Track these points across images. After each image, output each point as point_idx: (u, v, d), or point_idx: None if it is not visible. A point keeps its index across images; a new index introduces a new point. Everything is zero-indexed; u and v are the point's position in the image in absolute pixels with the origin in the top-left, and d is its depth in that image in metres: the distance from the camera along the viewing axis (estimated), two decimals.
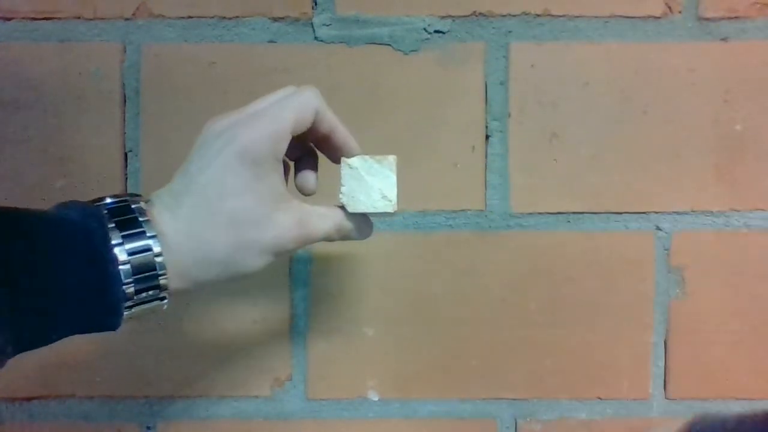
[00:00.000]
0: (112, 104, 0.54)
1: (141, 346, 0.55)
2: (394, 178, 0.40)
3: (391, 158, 0.40)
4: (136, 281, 0.33)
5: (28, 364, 0.55)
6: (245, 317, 0.55)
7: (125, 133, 0.54)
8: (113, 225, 0.33)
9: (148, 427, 0.56)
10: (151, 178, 0.54)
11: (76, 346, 0.54)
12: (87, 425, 0.55)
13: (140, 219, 0.34)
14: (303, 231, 0.38)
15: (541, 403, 0.56)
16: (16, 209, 0.32)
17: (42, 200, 0.53)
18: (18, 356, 0.32)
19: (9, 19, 0.53)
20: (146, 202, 0.35)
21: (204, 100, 0.54)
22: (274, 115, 0.36)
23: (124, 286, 0.33)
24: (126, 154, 0.54)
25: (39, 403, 0.55)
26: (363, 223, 0.41)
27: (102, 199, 0.34)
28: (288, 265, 0.55)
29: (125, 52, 0.54)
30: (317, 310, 0.55)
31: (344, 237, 0.41)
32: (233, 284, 0.41)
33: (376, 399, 0.56)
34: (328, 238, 0.40)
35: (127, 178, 0.54)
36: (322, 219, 0.39)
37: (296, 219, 0.37)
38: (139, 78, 0.54)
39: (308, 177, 0.42)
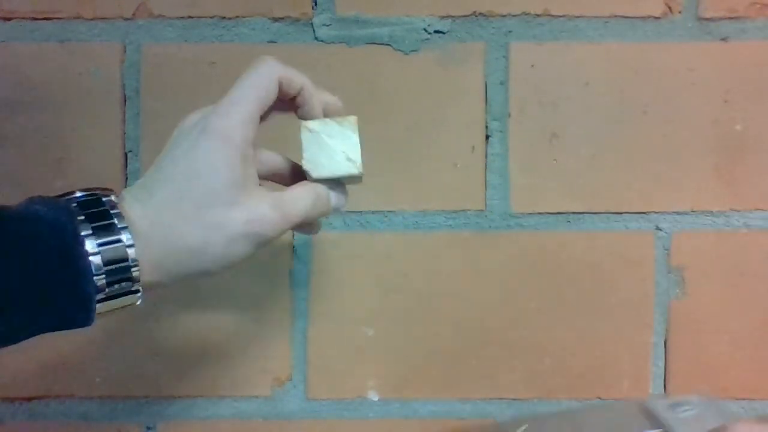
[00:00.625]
0: (112, 104, 0.54)
1: (141, 347, 0.55)
2: (356, 138, 0.39)
3: (352, 118, 0.39)
4: (107, 273, 0.32)
5: (28, 364, 0.55)
6: (245, 317, 0.55)
7: (125, 133, 0.54)
8: (83, 218, 0.32)
9: (148, 427, 0.56)
10: None
11: (76, 345, 0.54)
12: (87, 425, 0.55)
13: (111, 212, 0.33)
14: (278, 213, 0.36)
15: (541, 403, 0.56)
16: None
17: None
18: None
19: (9, 19, 0.53)
20: (117, 196, 0.35)
21: (204, 100, 0.54)
22: (239, 98, 0.36)
23: (95, 278, 0.32)
24: (126, 154, 0.54)
25: (39, 403, 0.55)
26: (338, 193, 0.40)
27: (71, 192, 0.34)
28: (288, 265, 0.55)
29: (125, 52, 0.54)
30: (317, 310, 0.55)
31: (322, 213, 0.39)
32: (218, 278, 0.39)
33: (376, 399, 0.56)
34: (307, 218, 0.38)
35: (127, 178, 0.54)
36: (297, 199, 0.37)
37: (270, 203, 0.36)
38: (139, 78, 0.54)
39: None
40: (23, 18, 0.53)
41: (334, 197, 0.40)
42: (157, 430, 0.56)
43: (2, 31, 0.53)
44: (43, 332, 0.32)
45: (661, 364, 0.56)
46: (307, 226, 0.41)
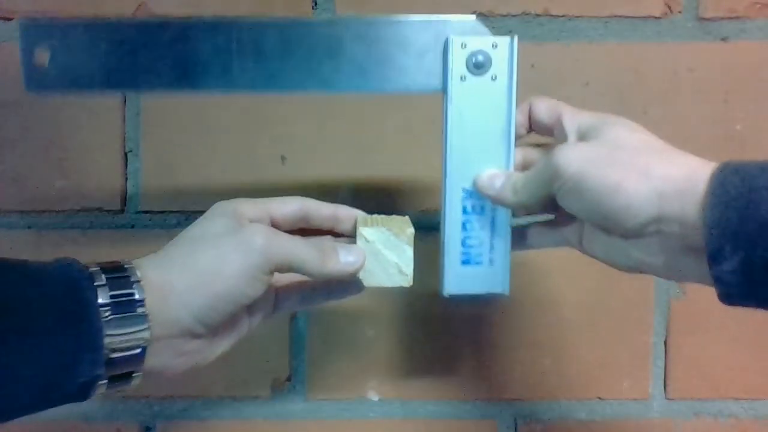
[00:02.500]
0: (112, 104, 0.54)
1: None
2: (411, 252, 0.39)
3: (410, 232, 0.39)
4: (113, 305, 0.32)
5: None
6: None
7: (125, 133, 0.54)
8: (97, 268, 0.33)
9: (148, 427, 0.56)
10: (151, 178, 0.54)
11: None
12: (87, 425, 0.55)
13: (126, 266, 0.33)
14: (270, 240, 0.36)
15: (541, 403, 0.56)
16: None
17: (42, 200, 0.53)
18: None
19: (9, 19, 0.53)
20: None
21: (204, 100, 0.54)
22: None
23: (101, 307, 0.31)
24: (126, 154, 0.54)
25: None
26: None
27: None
28: None
29: None
30: (317, 311, 0.55)
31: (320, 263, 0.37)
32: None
33: (376, 399, 0.56)
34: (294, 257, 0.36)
35: (127, 178, 0.54)
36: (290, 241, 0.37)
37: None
38: None
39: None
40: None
41: (342, 253, 0.38)
42: (157, 430, 0.56)
43: (2, 31, 0.53)
44: (47, 391, 0.31)
45: (661, 364, 0.56)
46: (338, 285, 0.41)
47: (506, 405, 0.56)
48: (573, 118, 0.38)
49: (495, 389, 0.56)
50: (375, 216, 0.41)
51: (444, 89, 0.40)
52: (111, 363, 0.32)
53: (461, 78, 0.39)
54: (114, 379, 0.33)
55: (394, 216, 0.41)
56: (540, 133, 0.41)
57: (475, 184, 0.40)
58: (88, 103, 0.53)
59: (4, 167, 0.53)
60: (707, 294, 0.55)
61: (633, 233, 0.34)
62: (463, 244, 0.41)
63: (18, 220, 0.53)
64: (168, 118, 0.54)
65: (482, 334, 0.56)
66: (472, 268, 0.41)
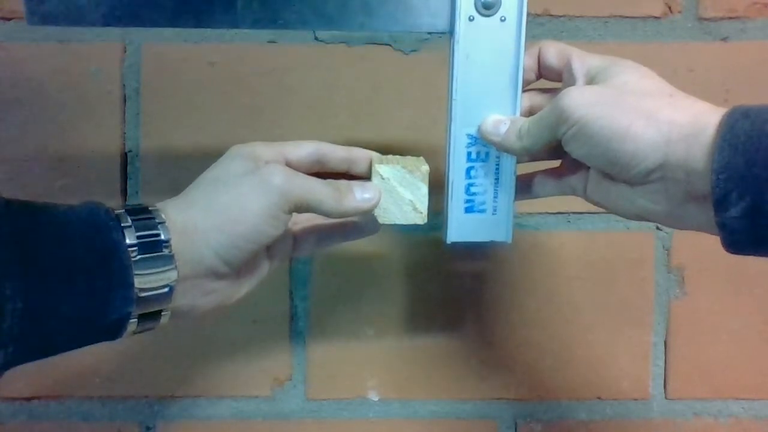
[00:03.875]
0: (112, 104, 0.54)
1: (141, 346, 0.55)
2: (425, 189, 0.39)
3: (425, 169, 0.39)
4: (140, 246, 0.33)
5: (29, 364, 0.54)
6: (245, 317, 0.55)
7: (125, 133, 0.54)
8: (122, 211, 0.34)
9: (148, 427, 0.56)
10: (151, 178, 0.54)
11: None
12: (87, 425, 0.55)
13: (150, 208, 0.35)
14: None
15: (541, 403, 0.56)
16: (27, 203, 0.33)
17: (42, 200, 0.53)
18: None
19: (9, 19, 0.53)
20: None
21: (204, 100, 0.54)
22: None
23: (128, 246, 0.32)
24: (126, 154, 0.54)
25: (39, 403, 0.55)
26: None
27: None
28: (288, 265, 0.55)
29: (125, 52, 0.54)
30: (317, 310, 0.55)
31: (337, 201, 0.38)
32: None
33: (376, 399, 0.56)
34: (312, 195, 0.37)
35: (127, 178, 0.54)
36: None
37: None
38: (139, 78, 0.54)
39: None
40: (23, 18, 0.53)
41: (358, 191, 0.39)
42: (157, 430, 0.56)
43: (2, 31, 0.53)
44: (85, 317, 0.32)
45: (661, 364, 0.56)
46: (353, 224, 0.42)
47: (506, 405, 0.56)
48: (583, 62, 0.37)
49: (495, 389, 0.56)
50: (389, 156, 0.41)
51: (451, 30, 0.39)
52: (141, 301, 0.33)
53: (469, 18, 0.38)
54: (143, 317, 0.34)
55: (408, 156, 0.41)
56: (549, 79, 0.41)
57: (479, 130, 0.39)
58: (88, 103, 0.53)
59: (4, 167, 0.53)
60: (707, 294, 0.56)
61: (638, 180, 0.33)
62: (467, 191, 0.40)
63: None
64: (168, 118, 0.54)
65: (482, 334, 0.56)
66: (476, 215, 0.41)
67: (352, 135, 0.54)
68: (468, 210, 0.41)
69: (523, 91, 0.40)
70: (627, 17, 0.54)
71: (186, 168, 0.54)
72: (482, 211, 0.41)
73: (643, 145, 0.32)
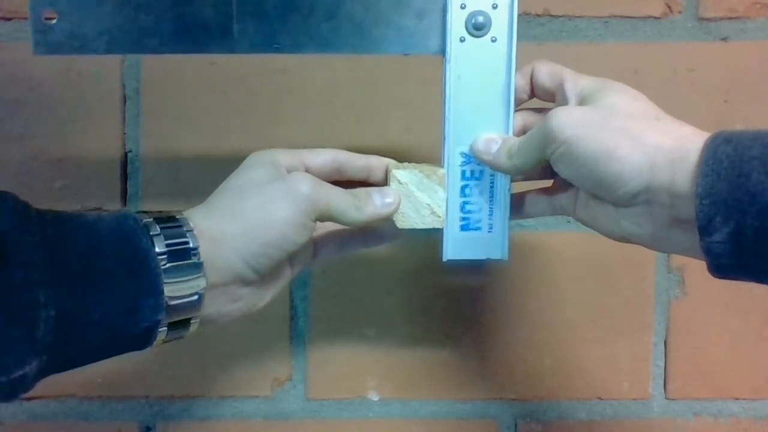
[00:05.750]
0: (112, 104, 0.54)
1: None
2: (443, 193, 0.39)
3: (441, 173, 0.39)
4: (169, 254, 0.33)
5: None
6: (245, 317, 0.55)
7: (125, 133, 0.54)
8: (151, 219, 0.34)
9: (148, 427, 0.56)
10: (151, 178, 0.54)
11: None
12: (87, 425, 0.55)
13: (178, 216, 0.35)
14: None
15: (541, 403, 0.56)
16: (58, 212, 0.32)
17: (42, 200, 0.53)
18: None
19: (9, 19, 0.53)
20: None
21: (204, 100, 0.54)
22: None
23: (158, 255, 0.32)
24: (126, 154, 0.54)
25: (39, 403, 0.55)
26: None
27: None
28: None
29: None
30: (317, 310, 0.55)
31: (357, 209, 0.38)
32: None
33: (376, 399, 0.56)
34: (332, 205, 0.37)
35: (127, 178, 0.54)
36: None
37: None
38: (139, 78, 0.54)
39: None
40: (23, 18, 0.53)
41: (378, 197, 0.39)
42: (157, 430, 0.56)
43: (2, 31, 0.53)
44: (114, 326, 0.31)
45: (661, 364, 0.56)
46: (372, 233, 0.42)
47: (506, 405, 0.56)
48: (575, 83, 0.38)
49: (495, 389, 0.56)
50: (405, 163, 0.41)
51: (443, 51, 0.39)
52: (170, 309, 0.33)
53: (460, 39, 0.39)
54: (173, 326, 0.34)
55: (423, 163, 0.41)
56: (542, 98, 0.41)
57: (471, 148, 0.40)
58: (88, 103, 0.53)
59: (4, 167, 0.53)
60: (707, 294, 0.56)
61: (623, 202, 0.34)
62: (462, 209, 0.41)
63: None
64: (168, 118, 0.54)
65: (482, 334, 0.56)
66: (472, 233, 0.41)
67: (353, 135, 0.54)
68: (464, 228, 0.41)
69: (517, 110, 0.40)
70: (627, 17, 0.54)
71: (186, 168, 0.54)
72: (478, 228, 0.41)
73: (628, 167, 0.32)
